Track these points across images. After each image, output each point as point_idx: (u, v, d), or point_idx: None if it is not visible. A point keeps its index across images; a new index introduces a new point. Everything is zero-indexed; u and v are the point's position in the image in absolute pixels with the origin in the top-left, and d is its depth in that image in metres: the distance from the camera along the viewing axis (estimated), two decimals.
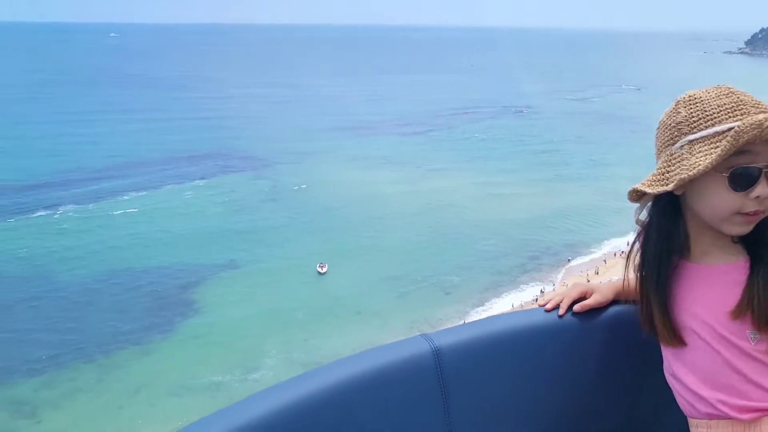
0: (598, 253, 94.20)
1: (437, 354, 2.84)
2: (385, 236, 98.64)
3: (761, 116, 2.44)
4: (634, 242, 3.13)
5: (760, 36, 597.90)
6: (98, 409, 56.47)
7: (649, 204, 2.97)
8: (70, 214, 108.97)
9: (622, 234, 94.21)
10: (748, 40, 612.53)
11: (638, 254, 3.08)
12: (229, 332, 69.59)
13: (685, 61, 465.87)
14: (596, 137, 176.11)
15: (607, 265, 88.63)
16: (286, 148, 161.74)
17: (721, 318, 2.69)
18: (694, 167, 2.55)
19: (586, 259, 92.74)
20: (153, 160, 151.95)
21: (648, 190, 2.76)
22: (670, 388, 3.05)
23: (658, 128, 2.91)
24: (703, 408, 2.76)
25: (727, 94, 2.64)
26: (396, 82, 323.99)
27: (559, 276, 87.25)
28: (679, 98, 2.84)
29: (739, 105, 2.58)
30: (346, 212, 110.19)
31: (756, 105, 2.60)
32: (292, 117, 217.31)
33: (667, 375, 3.06)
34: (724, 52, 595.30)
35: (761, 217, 2.63)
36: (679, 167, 2.64)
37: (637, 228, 3.11)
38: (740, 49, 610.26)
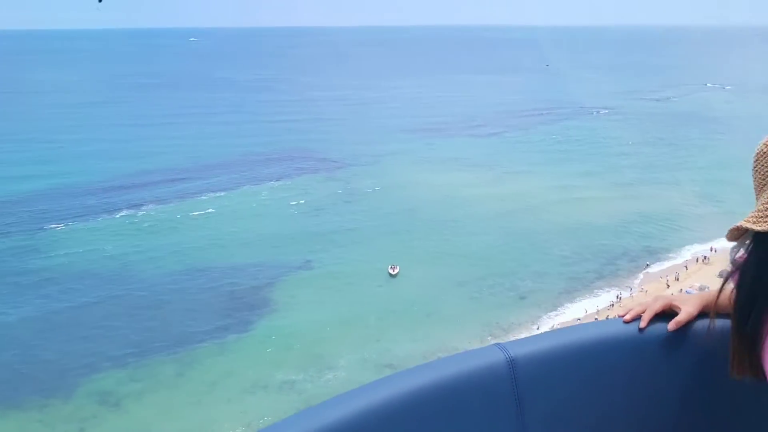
0: (678, 259, 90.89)
1: (512, 364, 2.81)
2: (459, 239, 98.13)
3: None
4: (725, 281, 2.93)
5: None
6: (178, 402, 58.46)
7: (747, 242, 2.74)
8: (152, 214, 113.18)
9: (704, 240, 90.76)
10: None
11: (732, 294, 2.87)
12: (302, 332, 70.71)
13: None
14: (679, 139, 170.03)
15: (688, 271, 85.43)
16: (360, 150, 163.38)
17: None
18: None
19: (665, 265, 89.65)
20: (232, 161, 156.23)
21: (755, 227, 2.53)
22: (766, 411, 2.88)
23: (756, 159, 2.70)
24: None
25: None
26: (469, 83, 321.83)
27: (637, 282, 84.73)
28: None
29: None
30: (420, 214, 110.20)
31: None
32: (367, 119, 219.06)
33: None
34: None
35: None
36: None
37: (731, 267, 2.86)
38: None
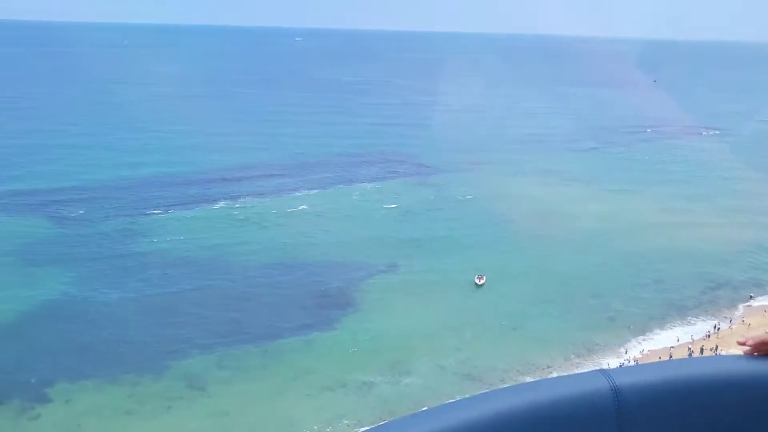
0: None
1: (616, 393, 2.64)
2: (551, 255, 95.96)
3: None
4: None
5: None
6: (260, 392, 59.98)
7: None
8: (248, 207, 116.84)
9: None
10: None
11: None
12: (385, 336, 71.03)
13: None
14: None
15: None
16: (456, 158, 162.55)
17: None
18: None
19: None
20: (327, 160, 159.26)
21: None
22: None
23: None
24: None
25: None
26: (570, 95, 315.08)
27: (737, 314, 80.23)
28: None
29: None
30: (512, 227, 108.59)
31: None
32: (466, 126, 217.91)
33: None
34: None
35: None
36: None
37: None
38: None
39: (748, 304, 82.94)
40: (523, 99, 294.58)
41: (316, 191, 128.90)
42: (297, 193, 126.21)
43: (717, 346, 68.17)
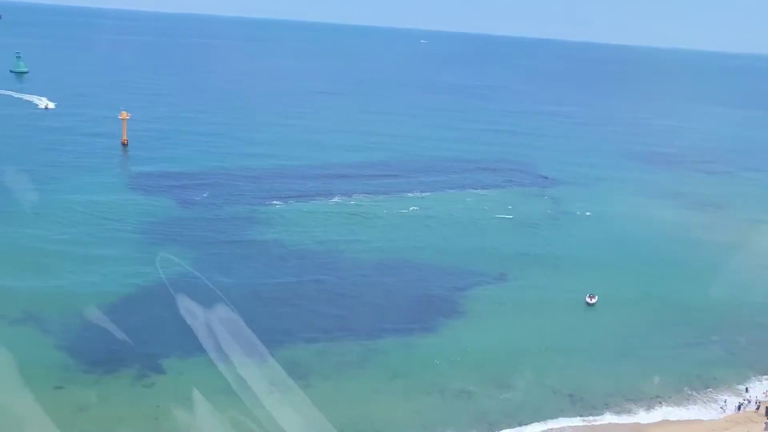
0: None
1: None
2: (672, 282, 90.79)
3: None
4: None
5: None
6: (359, 387, 60.52)
7: None
8: (362, 205, 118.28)
9: None
10: None
11: None
12: (487, 345, 69.77)
13: None
14: None
15: None
16: (577, 171, 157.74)
17: None
18: None
19: None
20: (442, 164, 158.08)
21: None
22: None
23: None
24: None
25: None
26: (705, 114, 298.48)
27: None
28: None
29: None
30: (631, 248, 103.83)
31: None
32: (589, 139, 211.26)
33: None
34: None
35: None
36: None
37: None
38: None
39: None
40: (657, 115, 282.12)
41: (428, 194, 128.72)
42: (409, 195, 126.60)
43: None
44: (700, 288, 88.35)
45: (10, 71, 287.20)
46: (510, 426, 56.85)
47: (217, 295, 76.80)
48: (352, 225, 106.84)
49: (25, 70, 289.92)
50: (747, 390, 65.68)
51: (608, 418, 59.53)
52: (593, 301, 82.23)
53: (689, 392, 64.66)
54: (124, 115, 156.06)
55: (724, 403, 63.39)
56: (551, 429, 56.88)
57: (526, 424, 57.02)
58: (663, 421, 60.19)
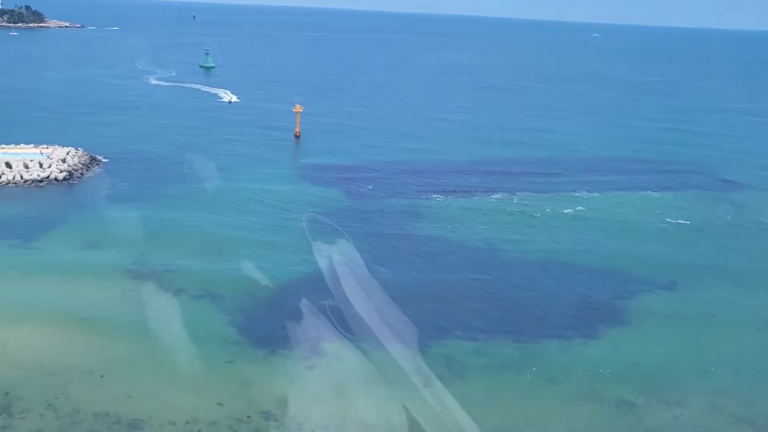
0: None
1: None
2: None
3: None
4: None
5: None
6: (514, 387, 59.57)
7: None
8: (525, 202, 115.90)
9: None
10: None
11: None
12: (653, 357, 65.93)
13: None
14: None
15: None
16: (765, 175, 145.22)
17: None
18: None
19: None
20: (610, 163, 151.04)
21: None
22: None
23: None
24: None
25: None
26: None
27: None
28: None
29: None
30: None
31: None
32: None
33: None
34: None
35: None
36: None
37: None
38: None
39: None
40: None
41: (596, 194, 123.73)
42: (575, 194, 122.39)
43: None
44: None
45: (200, 66, 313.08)
46: None
47: (377, 285, 79.05)
48: (513, 223, 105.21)
49: (212, 65, 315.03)
50: None
51: None
52: None
53: None
54: (298, 108, 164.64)
55: None
56: None
57: None
58: None
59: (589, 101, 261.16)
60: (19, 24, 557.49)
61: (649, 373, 63.09)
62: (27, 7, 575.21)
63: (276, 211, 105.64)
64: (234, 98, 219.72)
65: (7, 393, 54.79)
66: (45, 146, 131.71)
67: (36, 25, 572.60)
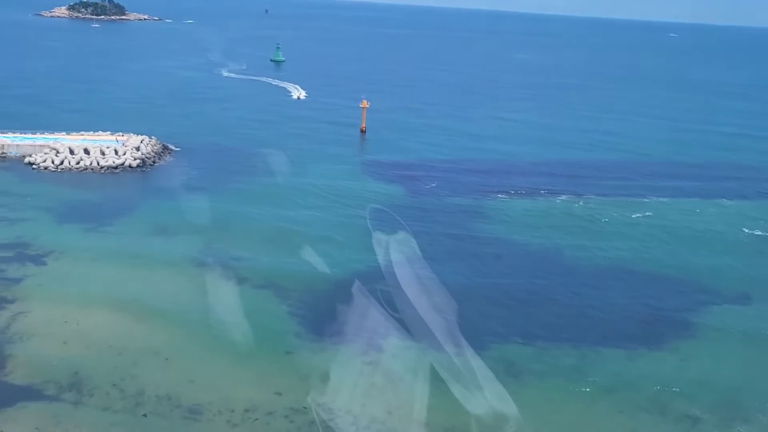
0: None
1: None
2: None
3: None
4: None
5: None
6: (572, 393, 58.44)
7: None
8: (591, 206, 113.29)
9: None
10: None
11: None
12: (720, 371, 63.68)
13: None
14: None
15: None
16: None
17: None
18: None
19: None
20: (683, 168, 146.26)
21: None
22: None
23: None
24: None
25: None
26: None
27: None
28: None
29: None
30: None
31: None
32: None
33: None
34: None
35: None
36: None
37: None
38: None
39: None
40: None
41: (666, 199, 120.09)
42: (645, 199, 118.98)
43: None
44: None
45: (270, 60, 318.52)
46: None
47: (437, 284, 78.84)
48: (577, 227, 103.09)
49: (283, 59, 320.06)
50: None
51: None
52: None
53: None
54: (365, 103, 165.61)
55: None
56: None
57: None
58: None
59: (663, 104, 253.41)
60: (102, 16, 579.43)
61: (714, 386, 60.96)
62: (110, 0, 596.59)
63: (340, 207, 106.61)
64: (302, 94, 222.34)
65: (76, 372, 57.20)
66: (120, 134, 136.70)
67: (117, 17, 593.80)
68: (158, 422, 51.55)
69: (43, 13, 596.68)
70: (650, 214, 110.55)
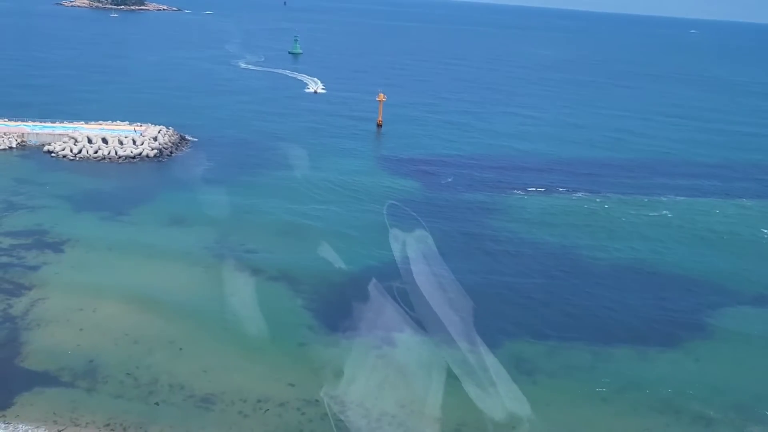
0: None
1: None
2: None
3: None
4: None
5: None
6: (584, 392, 58.13)
7: None
8: (607, 204, 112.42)
9: None
10: None
11: None
12: (735, 372, 63.09)
13: None
14: None
15: None
16: None
17: None
18: None
19: None
20: (701, 168, 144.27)
21: None
22: None
23: None
24: None
25: None
26: None
27: None
28: None
29: None
30: None
31: None
32: None
33: None
34: None
35: None
36: None
37: None
38: None
39: None
40: None
41: (683, 198, 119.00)
42: (663, 198, 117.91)
43: None
44: None
45: (288, 52, 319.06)
46: None
47: (451, 279, 78.71)
48: (593, 224, 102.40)
49: (300, 51, 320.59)
50: None
51: None
52: None
53: None
54: (381, 97, 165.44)
55: None
56: None
57: None
58: None
59: (682, 102, 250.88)
60: (121, 6, 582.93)
61: (729, 387, 60.43)
62: None
63: (355, 201, 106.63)
64: (319, 88, 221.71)
65: (91, 360, 57.74)
66: (138, 124, 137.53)
67: (137, 7, 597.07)
68: (171, 411, 51.95)
69: (63, 2, 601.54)
70: (668, 213, 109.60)
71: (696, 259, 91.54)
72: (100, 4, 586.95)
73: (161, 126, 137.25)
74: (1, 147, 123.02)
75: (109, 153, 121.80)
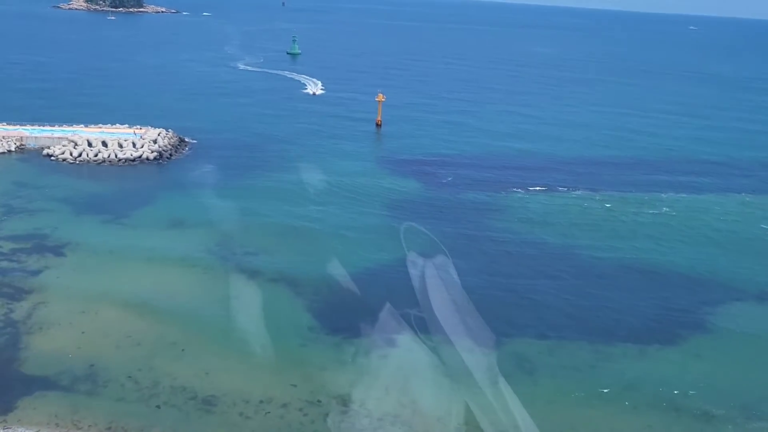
0: None
1: None
2: None
3: None
4: None
5: None
6: (586, 390, 57.94)
7: None
8: (607, 200, 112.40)
9: None
10: None
11: None
12: (738, 369, 63.03)
13: None
14: None
15: None
16: None
17: None
18: None
19: None
20: (702, 165, 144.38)
21: None
22: None
23: None
24: None
25: None
26: None
27: None
28: None
29: None
30: None
31: None
32: None
33: None
34: None
35: None
36: None
37: None
38: None
39: None
40: None
41: (684, 195, 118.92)
42: (663, 195, 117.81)
43: None
44: None
45: (287, 53, 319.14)
46: None
47: (453, 279, 78.70)
48: (594, 221, 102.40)
49: (299, 52, 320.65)
50: None
51: None
52: None
53: None
54: (380, 97, 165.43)
55: None
56: None
57: None
58: None
59: (683, 99, 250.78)
60: (120, 9, 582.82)
61: (732, 385, 60.32)
62: None
63: (355, 203, 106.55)
64: (318, 89, 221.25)
65: (92, 363, 57.72)
66: (138, 127, 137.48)
67: (135, 10, 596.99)
68: (172, 413, 51.92)
69: (60, 5, 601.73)
70: (669, 211, 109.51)
71: (697, 256, 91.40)
72: (97, 7, 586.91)
73: (161, 129, 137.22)
74: (0, 151, 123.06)
75: (108, 156, 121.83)
